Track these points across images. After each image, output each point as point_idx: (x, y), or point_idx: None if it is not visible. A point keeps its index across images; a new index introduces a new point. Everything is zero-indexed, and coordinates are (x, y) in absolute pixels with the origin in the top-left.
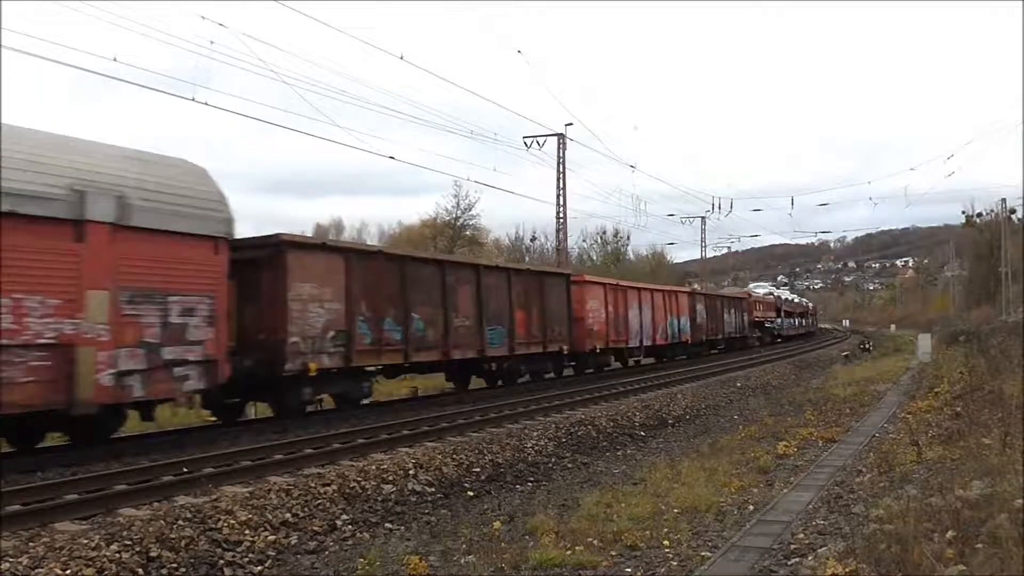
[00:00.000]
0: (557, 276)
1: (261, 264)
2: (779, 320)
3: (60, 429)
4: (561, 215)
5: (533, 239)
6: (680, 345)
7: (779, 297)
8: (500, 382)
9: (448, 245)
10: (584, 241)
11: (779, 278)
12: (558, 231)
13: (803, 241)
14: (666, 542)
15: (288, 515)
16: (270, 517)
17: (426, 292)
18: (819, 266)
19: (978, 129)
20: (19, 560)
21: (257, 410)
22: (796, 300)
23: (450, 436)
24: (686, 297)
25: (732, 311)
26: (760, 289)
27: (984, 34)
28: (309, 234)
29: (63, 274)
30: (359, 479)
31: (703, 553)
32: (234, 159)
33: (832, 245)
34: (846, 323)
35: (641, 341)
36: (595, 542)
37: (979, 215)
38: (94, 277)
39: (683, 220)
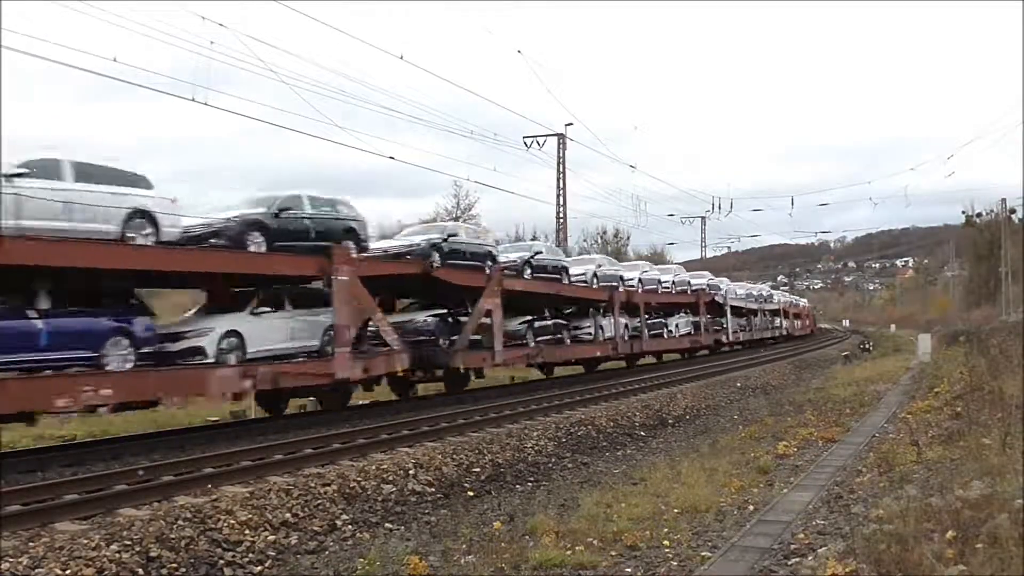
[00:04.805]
0: None
1: None
2: (680, 320)
3: None
4: (561, 215)
5: (534, 239)
6: None
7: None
8: None
9: None
10: (584, 241)
11: (779, 278)
12: (558, 231)
13: (803, 241)
14: (666, 542)
15: (288, 515)
16: (270, 517)
17: None
18: (819, 266)
19: (978, 129)
20: (19, 560)
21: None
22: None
23: (450, 436)
24: None
25: None
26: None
27: (984, 34)
28: None
29: None
30: (359, 479)
31: (703, 553)
32: (240, 159)
33: (832, 245)
34: (846, 323)
35: None
36: (595, 542)
37: (979, 215)
38: None
39: (683, 220)
